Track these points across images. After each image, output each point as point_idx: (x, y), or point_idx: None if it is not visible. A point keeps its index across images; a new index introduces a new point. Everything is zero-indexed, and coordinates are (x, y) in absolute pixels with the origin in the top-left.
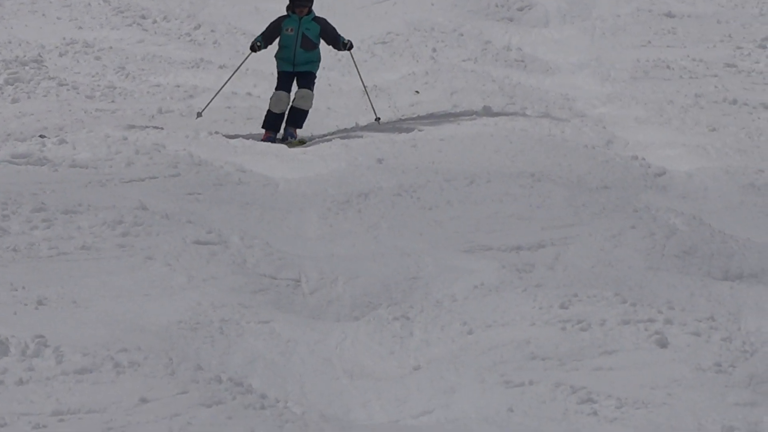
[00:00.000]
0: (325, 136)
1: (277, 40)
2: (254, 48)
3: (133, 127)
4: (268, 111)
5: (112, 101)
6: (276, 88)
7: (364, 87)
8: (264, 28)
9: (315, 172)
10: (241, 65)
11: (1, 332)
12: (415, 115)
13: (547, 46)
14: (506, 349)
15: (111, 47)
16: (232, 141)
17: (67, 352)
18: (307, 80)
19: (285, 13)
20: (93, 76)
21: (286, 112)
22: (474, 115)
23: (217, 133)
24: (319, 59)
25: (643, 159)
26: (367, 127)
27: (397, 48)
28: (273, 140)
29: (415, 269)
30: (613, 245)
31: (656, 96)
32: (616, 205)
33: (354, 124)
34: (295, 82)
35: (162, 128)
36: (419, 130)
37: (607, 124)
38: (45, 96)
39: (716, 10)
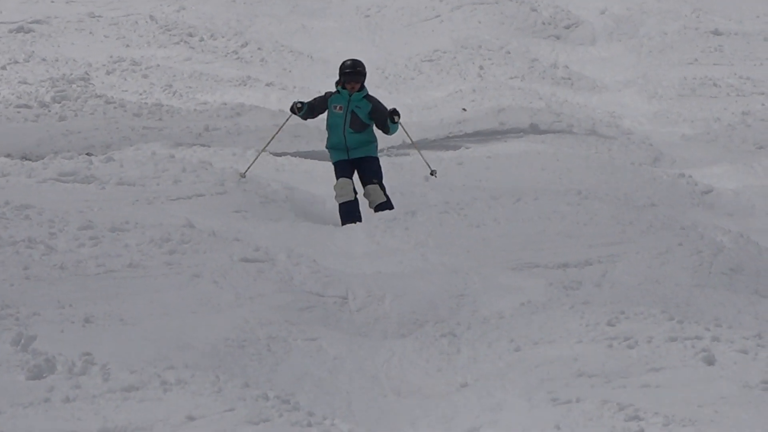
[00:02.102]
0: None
1: (324, 118)
2: (294, 110)
3: (180, 144)
4: (340, 206)
5: (159, 119)
6: (336, 177)
7: (412, 142)
8: (313, 98)
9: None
10: (282, 127)
11: (48, 350)
12: (462, 133)
13: (594, 64)
14: (553, 366)
15: (158, 65)
16: (279, 159)
17: (114, 369)
18: (370, 170)
19: (335, 88)
20: (140, 94)
21: (369, 205)
22: (521, 133)
23: (264, 151)
24: (374, 139)
25: (690, 176)
26: (414, 145)
27: (444, 65)
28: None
29: (462, 286)
30: (660, 263)
31: (703, 114)
32: (663, 223)
33: (401, 142)
34: (357, 175)
35: (209, 146)
36: (466, 148)
37: (654, 142)
38: (92, 114)
39: (763, 28)
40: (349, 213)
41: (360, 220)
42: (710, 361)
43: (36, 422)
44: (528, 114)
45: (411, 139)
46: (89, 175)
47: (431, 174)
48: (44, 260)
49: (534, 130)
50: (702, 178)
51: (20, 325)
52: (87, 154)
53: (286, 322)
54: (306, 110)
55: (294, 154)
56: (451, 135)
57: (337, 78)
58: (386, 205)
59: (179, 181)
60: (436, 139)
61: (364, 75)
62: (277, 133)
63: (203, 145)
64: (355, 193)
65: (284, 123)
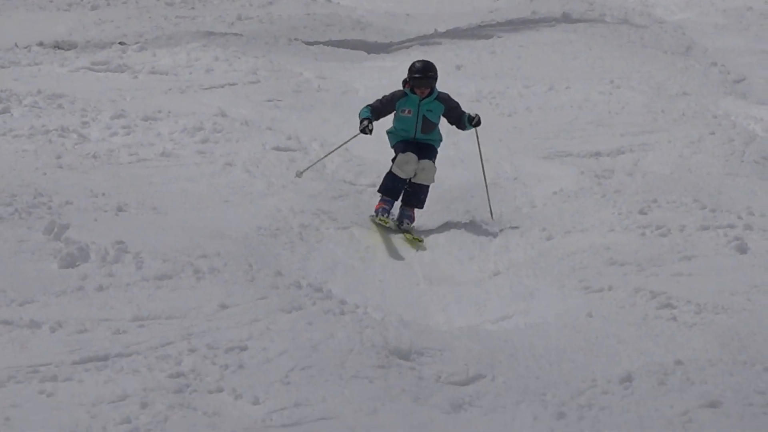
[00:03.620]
0: (404, 42)
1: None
2: (368, 131)
3: (212, 33)
4: (390, 173)
5: (192, 8)
6: (401, 151)
7: (485, 181)
8: (375, 100)
9: (395, 78)
10: (345, 143)
11: (81, 239)
12: (494, 22)
13: None
14: (585, 255)
15: None
16: (311, 47)
17: (147, 258)
18: (429, 152)
19: (403, 82)
20: None
21: (412, 177)
22: (553, 22)
23: (296, 39)
24: (440, 138)
25: (723, 65)
26: (446, 34)
27: None
28: (388, 214)
29: (494, 175)
30: (692, 151)
31: (735, 2)
32: (695, 112)
33: (433, 30)
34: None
35: (241, 35)
36: (498, 37)
37: (687, 31)
38: (124, 2)
39: None
40: (394, 187)
41: (395, 199)
42: (742, 250)
43: (69, 310)
44: (560, 3)
45: (481, 156)
46: (122, 64)
47: (490, 216)
48: (77, 149)
49: (566, 19)
50: (734, 67)
51: (53, 214)
52: (120, 43)
53: (318, 210)
54: (374, 117)
55: (326, 43)
56: (483, 24)
57: (405, 77)
58: (424, 191)
59: (212, 70)
60: (468, 28)
61: (436, 78)
62: (339, 147)
63: (236, 34)
64: (413, 174)
65: (350, 139)
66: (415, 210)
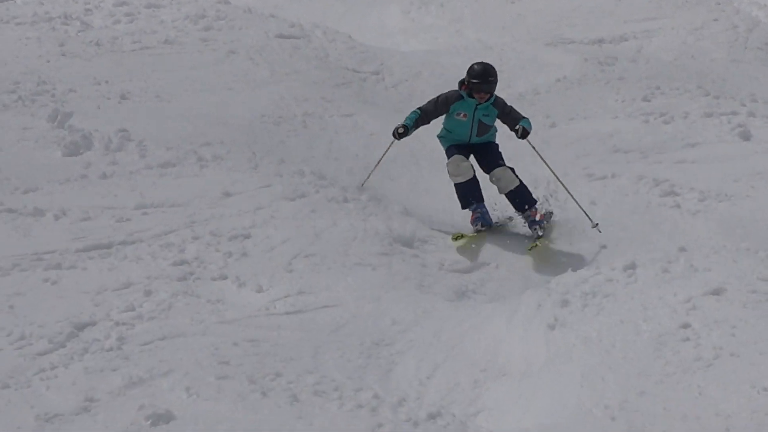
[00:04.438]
0: None
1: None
2: (397, 135)
3: None
4: (455, 186)
5: None
6: (449, 156)
7: (568, 191)
8: (427, 102)
9: None
10: (385, 153)
11: (85, 126)
12: None
13: None
14: (589, 142)
15: None
16: None
17: (151, 146)
18: (492, 153)
19: (456, 89)
20: None
21: (499, 191)
22: None
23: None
24: (495, 130)
25: None
26: None
27: None
28: (486, 221)
29: (498, 62)
30: (695, 38)
31: None
32: None
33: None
34: (475, 160)
35: None
36: None
37: None
38: None
39: None
40: (470, 193)
41: (482, 200)
42: (746, 137)
43: (73, 198)
44: None
45: (546, 164)
46: None
47: (594, 227)
48: (80, 37)
49: None
50: None
51: (56, 102)
52: None
53: (321, 98)
54: (414, 125)
55: None
56: None
57: (463, 78)
58: (522, 190)
59: None
60: None
61: (496, 83)
62: (382, 157)
63: None
64: (473, 170)
65: (388, 148)
66: (536, 208)
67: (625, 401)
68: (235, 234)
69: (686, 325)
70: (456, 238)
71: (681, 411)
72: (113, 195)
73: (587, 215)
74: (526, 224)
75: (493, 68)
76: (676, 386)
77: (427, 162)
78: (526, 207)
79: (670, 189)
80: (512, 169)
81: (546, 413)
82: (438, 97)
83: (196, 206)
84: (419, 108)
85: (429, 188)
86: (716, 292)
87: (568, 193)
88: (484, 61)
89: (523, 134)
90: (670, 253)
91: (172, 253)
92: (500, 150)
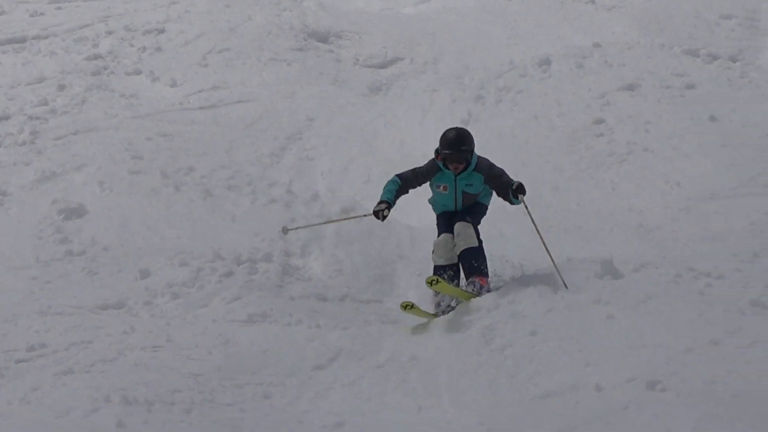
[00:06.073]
0: None
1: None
2: (381, 217)
3: None
4: (435, 267)
5: None
6: (440, 227)
7: (551, 257)
8: (408, 169)
9: None
10: (351, 218)
11: None
12: None
13: None
14: None
15: None
16: None
17: None
18: (471, 211)
19: (434, 157)
20: None
21: (454, 248)
22: None
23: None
24: (489, 193)
25: None
26: None
27: None
28: (450, 306)
29: None
30: None
31: None
32: None
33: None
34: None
35: None
36: None
37: None
38: None
39: None
40: (446, 275)
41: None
42: None
43: None
44: None
45: (539, 233)
46: None
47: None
48: None
49: None
50: None
51: None
52: None
53: None
54: (395, 198)
55: None
56: None
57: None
58: (474, 255)
59: None
60: None
61: (471, 151)
62: (343, 220)
63: None
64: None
65: (357, 216)
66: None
67: (538, 197)
68: (149, 28)
69: (600, 121)
70: (406, 306)
71: (595, 206)
72: None
73: (563, 281)
74: (468, 284)
75: (467, 134)
76: (590, 181)
77: None
78: (474, 271)
79: None
80: (476, 229)
81: None
82: (415, 169)
83: (110, 0)
84: (398, 176)
85: None
86: (630, 88)
87: (550, 258)
88: (457, 125)
89: (522, 190)
90: (585, 48)
91: (86, 48)
92: (485, 212)
